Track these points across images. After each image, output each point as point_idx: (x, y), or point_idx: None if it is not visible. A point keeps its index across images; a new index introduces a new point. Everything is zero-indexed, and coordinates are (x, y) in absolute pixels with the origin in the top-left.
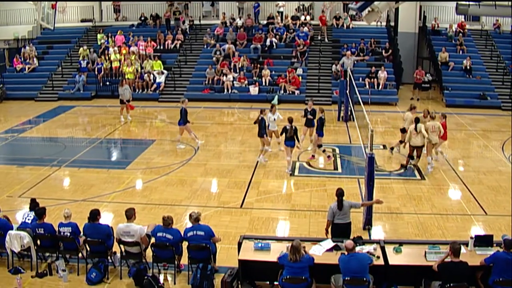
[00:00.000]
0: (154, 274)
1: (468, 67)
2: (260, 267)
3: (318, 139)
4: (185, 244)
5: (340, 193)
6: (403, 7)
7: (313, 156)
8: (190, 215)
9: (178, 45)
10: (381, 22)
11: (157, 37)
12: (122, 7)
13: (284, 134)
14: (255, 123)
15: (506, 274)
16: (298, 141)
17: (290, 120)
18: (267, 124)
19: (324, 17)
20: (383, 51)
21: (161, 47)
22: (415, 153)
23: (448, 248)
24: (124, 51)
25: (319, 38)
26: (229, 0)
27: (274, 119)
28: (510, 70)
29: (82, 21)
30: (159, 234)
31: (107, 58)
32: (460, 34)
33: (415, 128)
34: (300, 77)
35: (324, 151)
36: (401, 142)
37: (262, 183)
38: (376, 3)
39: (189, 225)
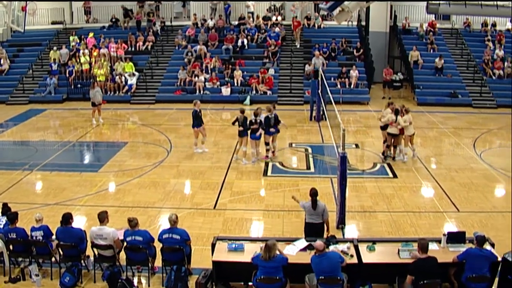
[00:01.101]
0: (128, 277)
1: (440, 66)
2: (234, 268)
3: (265, 137)
4: (158, 246)
5: (314, 193)
6: (374, 6)
7: (273, 152)
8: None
9: (149, 47)
10: (352, 22)
11: (128, 38)
12: (92, 9)
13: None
14: (233, 123)
15: (478, 270)
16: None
17: (256, 114)
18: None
19: (296, 22)
20: (355, 51)
21: (132, 49)
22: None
23: (417, 246)
24: (95, 53)
25: (291, 38)
26: (201, 0)
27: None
28: (480, 68)
29: (53, 23)
30: (129, 238)
31: (78, 60)
32: (431, 33)
33: (396, 120)
34: (272, 78)
35: (267, 150)
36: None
37: (235, 184)
38: (346, 3)
39: (165, 226)
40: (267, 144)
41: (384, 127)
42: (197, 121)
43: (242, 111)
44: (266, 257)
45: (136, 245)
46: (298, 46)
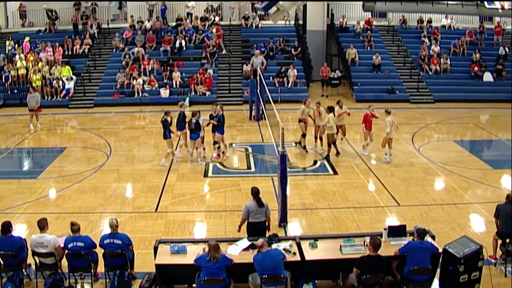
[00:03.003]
0: (70, 284)
1: (377, 63)
2: (178, 271)
3: (216, 136)
4: (100, 252)
5: (255, 192)
6: (310, 5)
7: (223, 152)
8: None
9: (86, 50)
10: (289, 21)
11: (65, 42)
12: (28, 12)
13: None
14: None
15: (420, 262)
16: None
17: (193, 114)
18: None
19: (219, 31)
20: (292, 50)
21: (69, 53)
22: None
23: (368, 243)
24: (31, 58)
25: (228, 39)
26: (137, 0)
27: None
28: (417, 64)
29: None
30: (70, 245)
31: (14, 65)
32: (368, 31)
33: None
34: (211, 78)
35: (218, 147)
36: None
37: (176, 186)
38: (281, 2)
39: (106, 231)
40: (215, 143)
41: (300, 120)
42: (181, 124)
43: (166, 113)
44: (218, 257)
45: (78, 252)
46: (224, 52)
